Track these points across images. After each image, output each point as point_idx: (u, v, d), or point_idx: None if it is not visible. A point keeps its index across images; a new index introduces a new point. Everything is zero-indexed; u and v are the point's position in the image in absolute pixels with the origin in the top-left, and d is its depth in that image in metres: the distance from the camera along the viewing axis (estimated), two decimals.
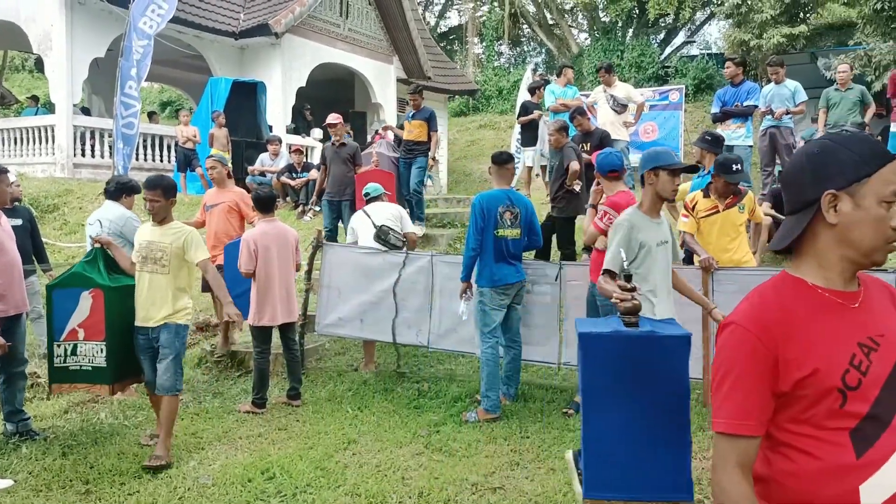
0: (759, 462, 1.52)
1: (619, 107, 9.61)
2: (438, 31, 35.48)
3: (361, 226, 6.62)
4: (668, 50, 28.33)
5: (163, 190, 4.62)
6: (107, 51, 13.53)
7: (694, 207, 5.53)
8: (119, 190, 5.91)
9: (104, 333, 4.62)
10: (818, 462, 1.44)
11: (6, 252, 4.65)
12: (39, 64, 18.21)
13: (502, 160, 5.51)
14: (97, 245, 4.86)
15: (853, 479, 1.41)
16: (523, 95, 17.81)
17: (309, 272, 6.64)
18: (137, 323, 4.62)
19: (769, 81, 8.82)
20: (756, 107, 8.55)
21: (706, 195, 5.51)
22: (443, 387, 5.91)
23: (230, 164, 11.76)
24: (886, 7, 12.65)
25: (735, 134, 8.57)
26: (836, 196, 1.48)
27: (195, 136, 12.41)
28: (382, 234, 6.31)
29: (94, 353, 4.61)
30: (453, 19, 37.55)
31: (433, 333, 6.09)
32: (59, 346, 4.64)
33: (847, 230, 1.48)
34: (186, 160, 12.37)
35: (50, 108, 14.47)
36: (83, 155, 13.13)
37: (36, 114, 14.99)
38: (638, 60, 24.34)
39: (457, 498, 3.91)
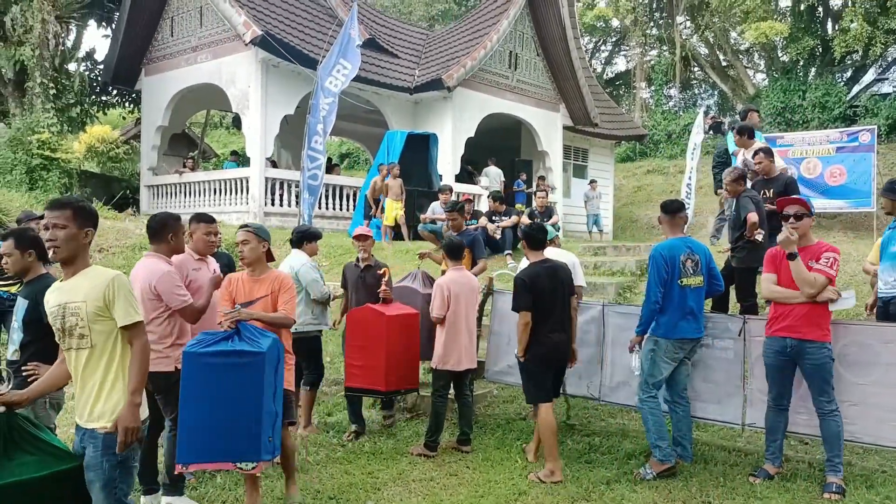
0: None
1: (752, 173, 8.19)
2: (605, 77, 35.32)
3: None
4: (857, 88, 26.38)
5: (73, 212, 3.12)
6: (295, 108, 14.72)
7: None
8: (300, 239, 6.25)
9: None
10: None
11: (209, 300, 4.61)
12: (236, 121, 20.15)
13: (674, 209, 5.37)
14: None
15: None
16: (695, 139, 17.30)
17: (479, 318, 6.73)
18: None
19: None
20: None
21: None
22: (615, 442, 5.74)
23: (397, 216, 12.32)
24: None
25: None
26: None
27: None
28: None
29: None
30: (620, 65, 37.28)
31: (605, 386, 5.95)
32: None
33: None
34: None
35: (244, 161, 15.89)
36: (272, 204, 14.26)
37: (237, 167, 16.54)
38: (822, 100, 22.89)
39: None
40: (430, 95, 16.09)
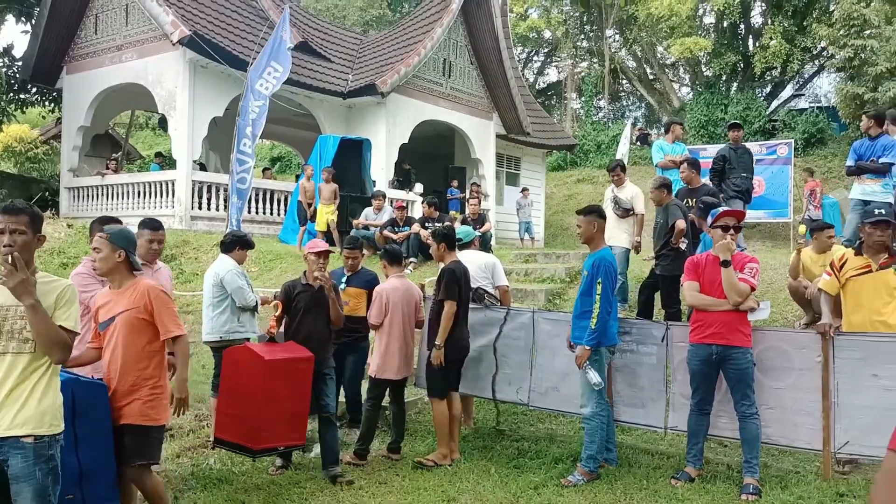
0: None
1: (622, 210, 8.45)
2: (537, 87, 35.89)
3: None
4: (775, 104, 27.56)
5: (30, 218, 3.11)
6: (225, 110, 14.42)
7: (843, 266, 5.23)
8: (232, 243, 6.10)
9: None
10: None
11: None
12: (163, 122, 19.60)
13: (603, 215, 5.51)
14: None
15: None
16: (623, 149, 17.78)
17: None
18: None
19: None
20: (892, 164, 8.04)
21: (858, 253, 5.21)
22: (543, 447, 5.79)
23: (334, 216, 12.20)
24: None
25: (870, 188, 8.09)
26: None
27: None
28: (477, 298, 6.30)
29: None
30: (552, 76, 37.95)
31: (534, 391, 6.01)
32: None
33: None
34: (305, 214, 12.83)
35: (170, 163, 15.47)
36: (200, 208, 13.91)
37: (160, 169, 16.06)
38: (743, 114, 23.79)
39: None
40: (363, 101, 16.00)
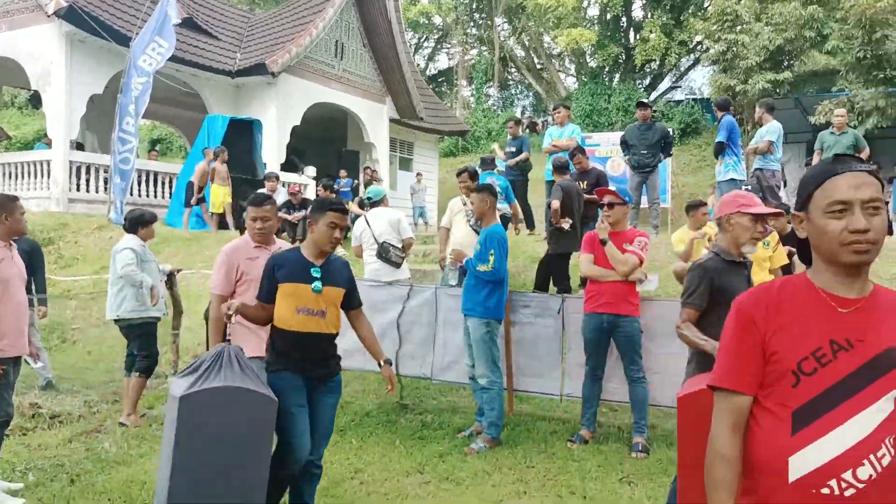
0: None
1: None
2: (428, 73, 36.06)
3: (364, 235, 6.79)
4: (655, 94, 28.94)
5: None
6: (104, 87, 13.69)
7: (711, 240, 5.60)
8: (132, 225, 6.01)
9: None
10: (761, 431, 1.68)
11: (14, 295, 4.18)
12: (34, 100, 18.35)
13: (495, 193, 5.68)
14: None
15: (784, 451, 1.64)
16: None
17: None
18: None
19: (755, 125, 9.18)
20: (720, 143, 8.95)
21: None
22: (446, 418, 5.93)
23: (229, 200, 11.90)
24: (868, 56, 13.10)
25: (717, 168, 9.03)
26: (798, 216, 1.76)
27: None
28: (384, 252, 6.52)
29: None
30: (443, 62, 38.22)
31: (436, 366, 6.14)
32: None
33: (813, 242, 1.73)
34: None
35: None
36: (78, 189, 13.17)
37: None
38: (625, 104, 24.86)
39: None
40: (253, 80, 15.60)
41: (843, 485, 1.59)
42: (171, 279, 7.08)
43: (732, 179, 8.85)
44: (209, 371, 3.35)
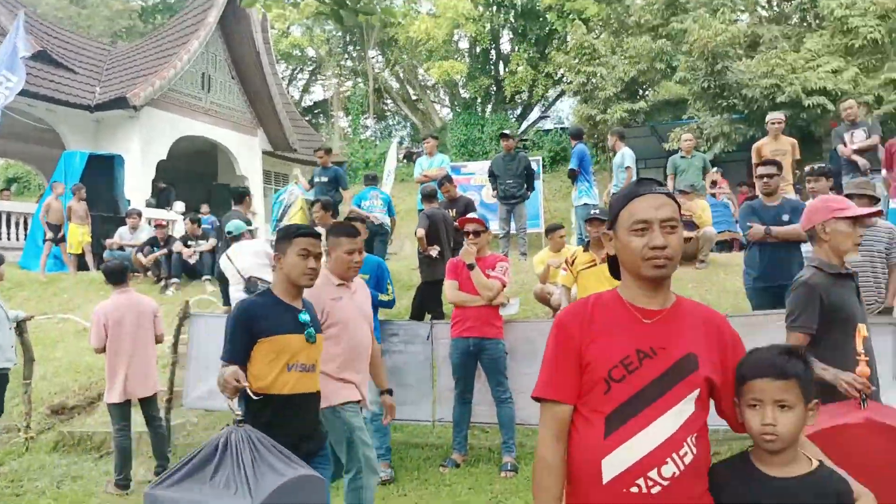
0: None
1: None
2: (304, 104, 35.81)
3: (228, 272, 6.61)
4: (526, 124, 29.97)
5: None
6: None
7: (573, 262, 5.83)
8: None
9: None
10: (579, 436, 1.81)
11: None
12: None
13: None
14: None
15: (598, 454, 1.76)
16: (390, 167, 18.28)
17: (175, 345, 6.44)
18: None
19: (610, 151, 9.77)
20: (572, 170, 9.76)
21: (586, 249, 5.82)
22: None
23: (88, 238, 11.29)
24: (712, 86, 14.17)
25: (573, 194, 9.86)
26: (607, 234, 1.91)
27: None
28: (252, 287, 6.29)
29: None
30: (318, 94, 38.06)
31: None
32: None
33: (620, 257, 1.89)
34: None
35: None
36: None
37: None
38: (497, 134, 25.55)
39: None
40: (113, 114, 14.97)
41: (650, 483, 1.71)
42: (20, 325, 6.64)
43: (586, 204, 9.34)
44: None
